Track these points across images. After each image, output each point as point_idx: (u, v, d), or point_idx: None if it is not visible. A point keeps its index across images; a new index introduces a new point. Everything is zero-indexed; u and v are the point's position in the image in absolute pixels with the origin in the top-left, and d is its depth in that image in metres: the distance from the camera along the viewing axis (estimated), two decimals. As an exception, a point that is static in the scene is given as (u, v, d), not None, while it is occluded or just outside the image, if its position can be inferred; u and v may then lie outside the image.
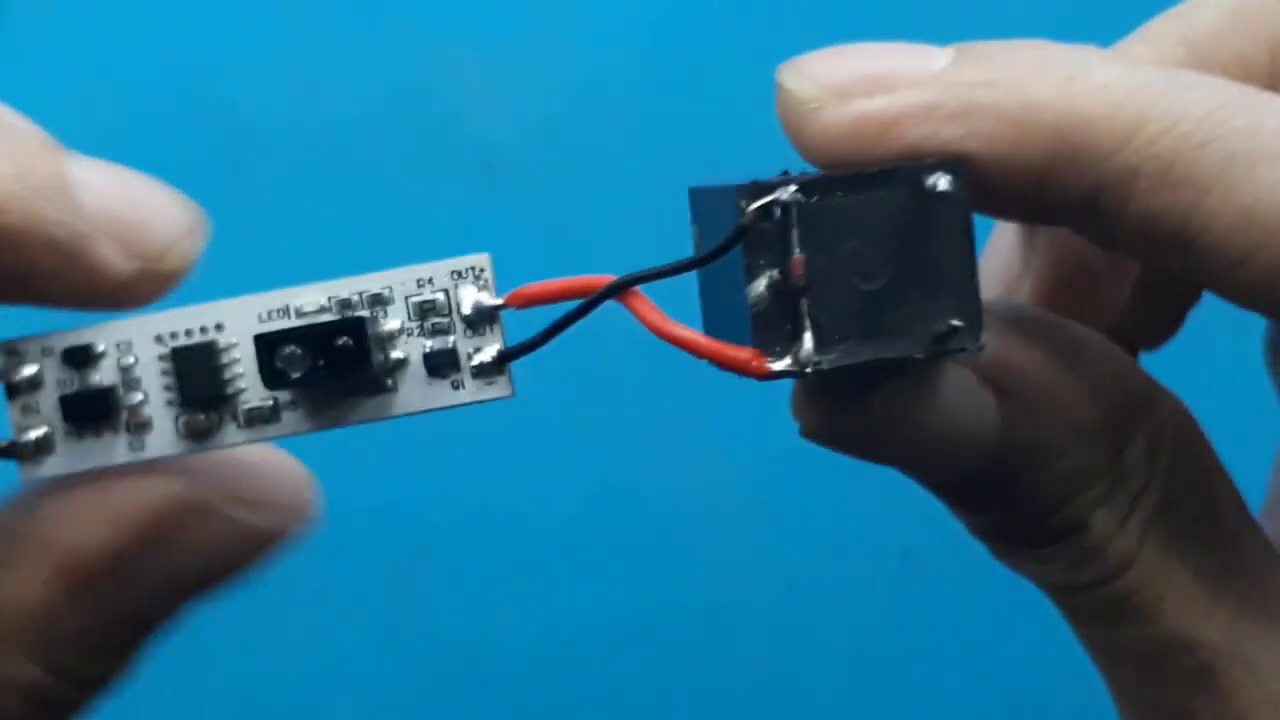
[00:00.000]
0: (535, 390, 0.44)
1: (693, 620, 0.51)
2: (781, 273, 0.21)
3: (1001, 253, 0.27)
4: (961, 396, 0.23)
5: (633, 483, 0.51)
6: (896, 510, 0.43)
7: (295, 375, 0.21)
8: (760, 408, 0.42)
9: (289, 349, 0.22)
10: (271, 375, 0.22)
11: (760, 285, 0.21)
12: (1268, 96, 0.22)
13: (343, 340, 0.22)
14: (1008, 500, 0.24)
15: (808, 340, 0.21)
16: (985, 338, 0.22)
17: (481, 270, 0.22)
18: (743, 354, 0.21)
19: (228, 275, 0.51)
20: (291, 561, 0.39)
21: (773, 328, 0.21)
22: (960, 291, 0.21)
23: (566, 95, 0.55)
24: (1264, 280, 0.21)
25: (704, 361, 0.22)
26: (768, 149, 0.44)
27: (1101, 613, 0.25)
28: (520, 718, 0.52)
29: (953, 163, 0.21)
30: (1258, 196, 0.20)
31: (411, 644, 0.52)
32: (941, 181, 0.21)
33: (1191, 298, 0.27)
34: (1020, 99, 0.21)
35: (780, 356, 0.21)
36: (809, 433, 0.23)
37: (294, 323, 0.22)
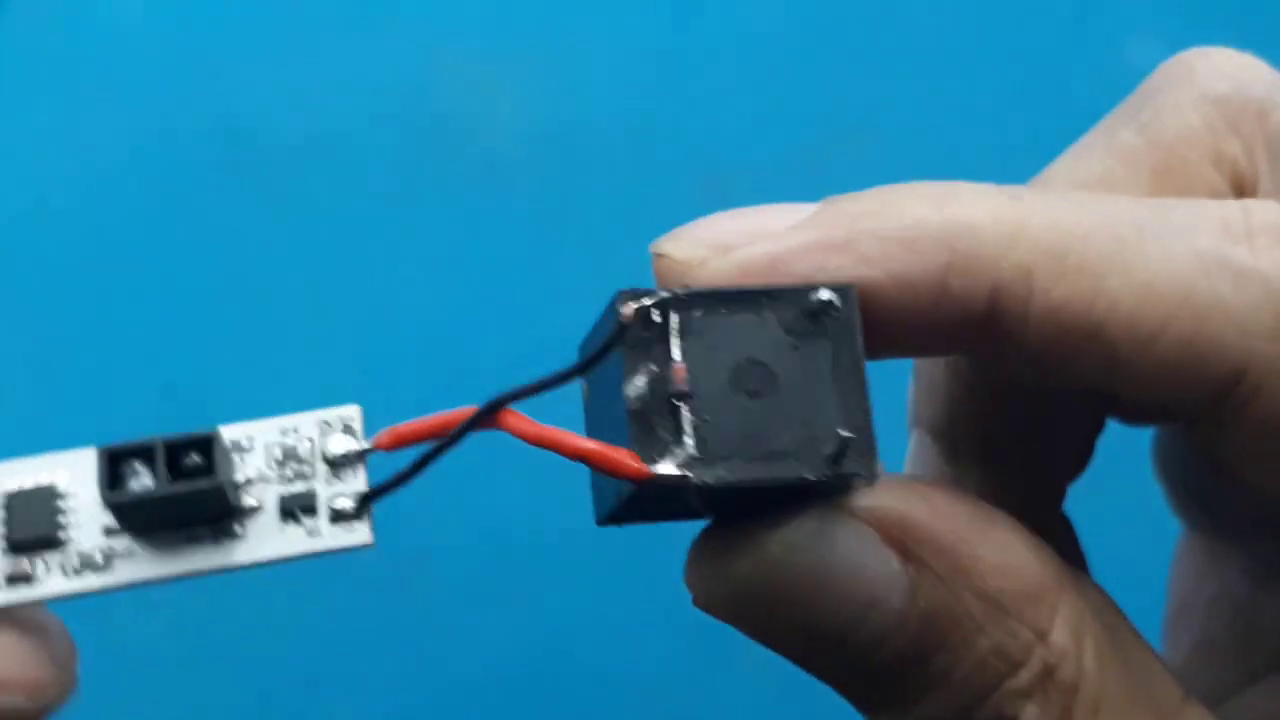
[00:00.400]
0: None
1: (698, 624, 0.50)
2: (661, 374, 0.20)
3: (925, 464, 0.26)
4: (863, 551, 0.21)
5: None
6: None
7: (140, 491, 0.20)
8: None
9: (135, 463, 0.20)
10: (114, 492, 0.20)
11: (639, 383, 0.20)
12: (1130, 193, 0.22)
13: (192, 457, 0.20)
14: (925, 685, 0.21)
15: (690, 446, 0.19)
16: (879, 467, 0.20)
17: (350, 421, 0.21)
18: (620, 454, 0.19)
19: (228, 274, 0.51)
20: (291, 567, 0.37)
21: (653, 431, 0.20)
22: (851, 412, 0.20)
23: (568, 96, 0.55)
24: (1179, 352, 0.20)
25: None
26: (767, 147, 0.48)
27: None
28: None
29: (840, 284, 0.21)
30: (1154, 271, 0.20)
31: (411, 650, 0.49)
32: (827, 296, 0.20)
33: (1097, 426, 0.26)
34: (901, 220, 0.21)
35: (660, 460, 0.19)
36: (706, 595, 0.21)
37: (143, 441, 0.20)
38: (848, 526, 0.21)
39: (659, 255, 0.22)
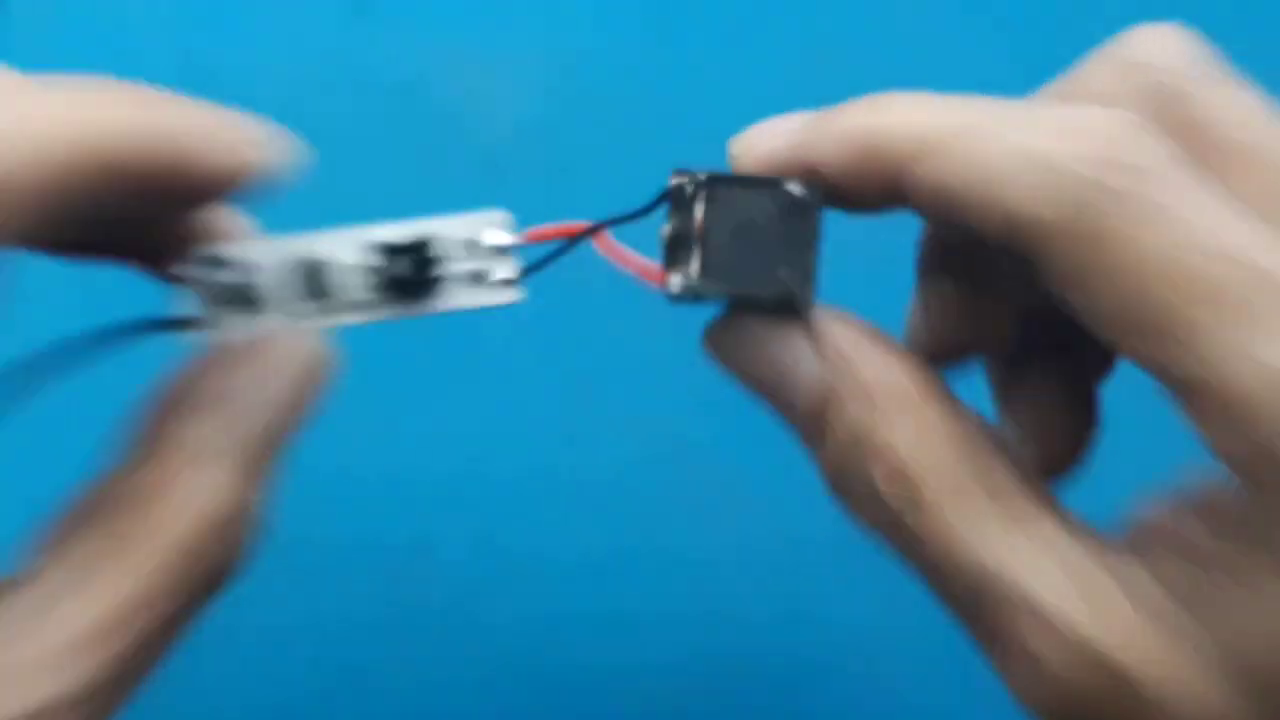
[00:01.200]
0: (540, 385, 0.50)
1: (700, 617, 0.50)
2: (688, 224, 0.32)
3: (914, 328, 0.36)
4: (792, 340, 0.32)
5: (639, 482, 0.51)
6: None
7: (389, 266, 0.33)
8: (761, 421, 0.43)
9: (390, 261, 0.33)
10: (376, 269, 0.33)
11: (674, 226, 0.32)
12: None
13: (413, 253, 0.33)
14: (826, 431, 0.32)
15: (694, 269, 0.32)
16: (813, 300, 0.32)
17: (503, 223, 0.34)
18: (654, 269, 0.33)
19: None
20: (290, 558, 0.42)
21: (676, 258, 0.32)
22: (801, 262, 0.32)
23: (567, 91, 0.56)
24: (1016, 215, 0.28)
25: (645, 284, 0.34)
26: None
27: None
28: (524, 716, 0.50)
29: (808, 180, 0.32)
30: (989, 158, 0.29)
31: (412, 643, 0.50)
32: (795, 189, 0.32)
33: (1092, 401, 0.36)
34: (843, 125, 0.31)
35: (677, 275, 0.32)
36: (708, 344, 0.34)
37: (390, 238, 0.33)
38: (788, 325, 0.33)
39: (729, 153, 0.33)
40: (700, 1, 0.57)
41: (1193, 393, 0.27)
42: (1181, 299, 0.27)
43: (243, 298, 0.34)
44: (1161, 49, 0.31)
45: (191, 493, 0.29)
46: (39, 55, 0.50)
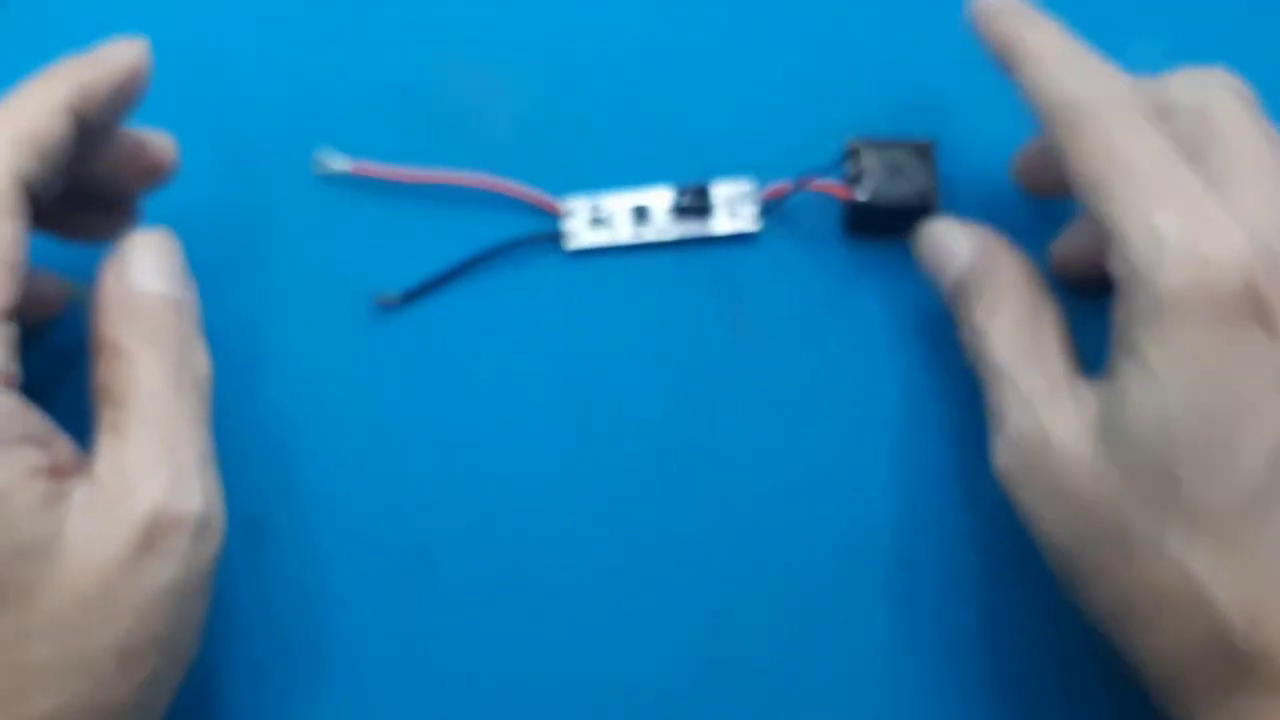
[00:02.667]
0: (541, 386, 0.55)
1: (700, 626, 0.49)
2: (861, 165, 0.56)
3: None
4: (952, 231, 0.53)
5: (639, 485, 0.52)
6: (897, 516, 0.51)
7: (685, 205, 0.58)
8: (755, 435, 0.53)
9: (685, 197, 0.59)
10: (676, 205, 0.58)
11: (853, 165, 0.57)
12: None
13: (700, 197, 0.59)
14: (971, 296, 0.51)
15: (864, 189, 0.56)
16: (937, 204, 0.56)
17: (750, 185, 0.59)
18: (844, 189, 0.57)
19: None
20: (288, 564, 0.46)
21: (853, 183, 0.56)
22: (928, 182, 0.55)
23: (567, 91, 0.58)
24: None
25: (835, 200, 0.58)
26: (764, 143, 0.56)
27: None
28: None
29: (929, 142, 0.57)
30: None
31: (411, 652, 0.49)
32: (924, 146, 0.57)
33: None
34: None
35: (860, 191, 0.56)
36: (916, 250, 0.54)
37: (681, 188, 0.59)
38: (942, 220, 0.54)
39: None
40: (700, 1, 0.59)
41: (1110, 237, 0.41)
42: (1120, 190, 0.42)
43: (601, 222, 0.59)
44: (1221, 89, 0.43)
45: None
46: (37, 55, 0.50)
